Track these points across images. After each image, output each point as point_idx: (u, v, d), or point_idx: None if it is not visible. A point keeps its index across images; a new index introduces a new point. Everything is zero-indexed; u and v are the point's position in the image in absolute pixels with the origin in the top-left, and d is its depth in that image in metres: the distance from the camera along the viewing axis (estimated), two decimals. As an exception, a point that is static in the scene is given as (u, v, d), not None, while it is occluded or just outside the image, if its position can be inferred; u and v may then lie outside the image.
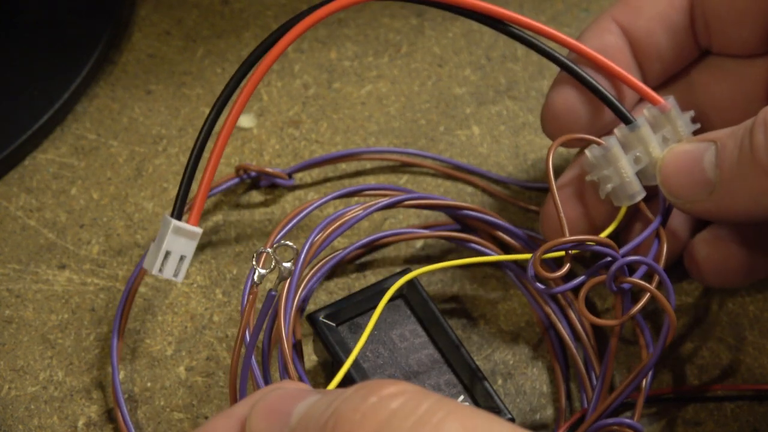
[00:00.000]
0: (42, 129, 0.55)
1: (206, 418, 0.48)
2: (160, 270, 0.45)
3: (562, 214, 0.45)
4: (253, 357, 0.44)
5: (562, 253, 0.45)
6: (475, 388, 0.46)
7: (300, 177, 0.54)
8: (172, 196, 0.53)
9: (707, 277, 0.48)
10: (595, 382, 0.47)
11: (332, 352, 0.46)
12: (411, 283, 0.48)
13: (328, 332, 0.47)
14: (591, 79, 0.47)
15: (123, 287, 0.51)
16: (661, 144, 0.46)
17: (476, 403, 0.46)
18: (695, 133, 0.47)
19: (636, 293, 0.46)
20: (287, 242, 0.43)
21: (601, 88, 0.47)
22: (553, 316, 0.49)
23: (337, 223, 0.47)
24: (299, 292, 0.47)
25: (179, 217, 0.46)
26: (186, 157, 0.55)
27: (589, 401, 0.46)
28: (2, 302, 0.51)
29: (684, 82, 0.50)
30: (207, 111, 0.56)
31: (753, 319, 0.50)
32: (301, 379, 0.45)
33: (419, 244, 0.52)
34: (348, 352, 0.46)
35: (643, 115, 0.47)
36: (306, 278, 0.48)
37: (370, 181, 0.54)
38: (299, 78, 0.58)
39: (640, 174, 0.46)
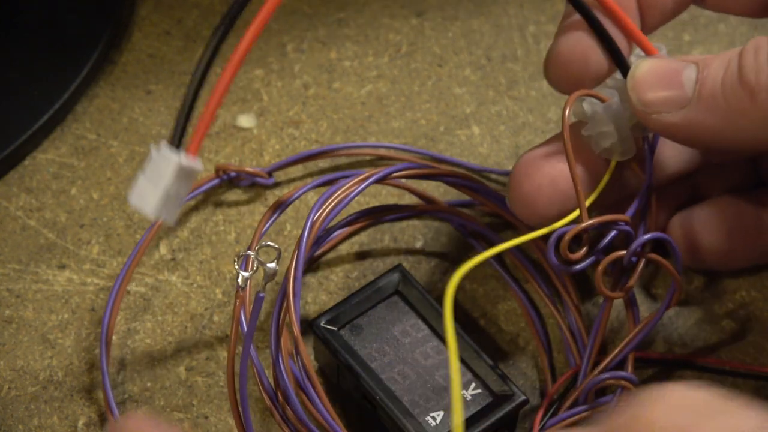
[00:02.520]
0: (42, 129, 0.55)
1: (206, 418, 0.48)
2: (158, 211, 0.39)
3: (579, 186, 0.44)
4: (252, 347, 0.44)
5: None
6: (486, 374, 0.46)
7: (279, 175, 0.54)
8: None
9: (685, 261, 0.49)
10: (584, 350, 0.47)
11: (340, 357, 0.46)
12: (405, 278, 0.48)
13: (331, 337, 0.47)
14: (602, 25, 0.45)
15: (122, 287, 0.51)
16: None
17: (488, 388, 0.46)
18: None
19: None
20: (269, 243, 0.43)
21: (610, 35, 0.45)
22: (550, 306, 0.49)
23: (335, 201, 0.47)
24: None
25: (179, 145, 0.39)
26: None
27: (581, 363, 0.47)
28: (2, 302, 0.51)
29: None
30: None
31: (753, 319, 0.50)
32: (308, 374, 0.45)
33: (418, 243, 0.52)
34: (353, 355, 0.46)
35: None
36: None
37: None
38: (299, 78, 0.58)
39: (634, 128, 0.46)
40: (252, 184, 0.54)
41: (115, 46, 0.59)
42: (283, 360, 0.45)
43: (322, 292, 0.51)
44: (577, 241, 0.45)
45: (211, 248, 0.52)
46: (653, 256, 0.45)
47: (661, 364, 0.49)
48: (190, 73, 0.56)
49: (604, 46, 0.45)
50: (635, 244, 0.45)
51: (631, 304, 0.46)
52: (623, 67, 0.45)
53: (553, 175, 0.46)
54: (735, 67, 0.42)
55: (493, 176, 0.54)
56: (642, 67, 0.44)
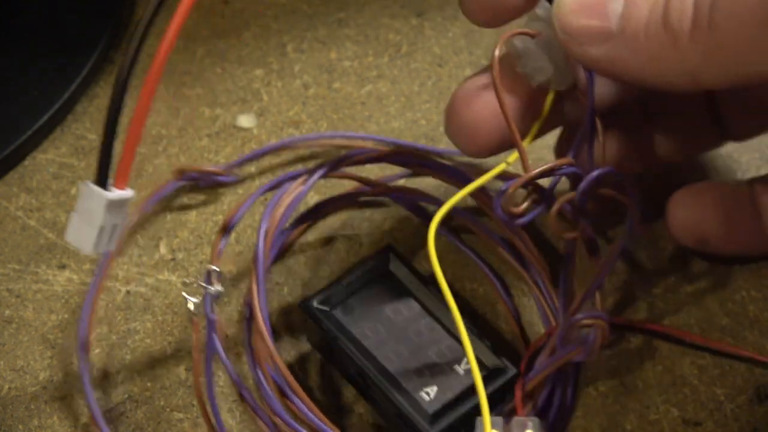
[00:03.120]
0: (42, 129, 0.55)
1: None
2: (95, 247, 0.39)
3: (517, 135, 0.43)
4: (229, 363, 0.44)
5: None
6: (478, 349, 0.46)
7: (240, 171, 0.54)
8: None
9: (682, 237, 0.49)
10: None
11: (333, 337, 0.47)
12: (396, 257, 0.49)
13: (324, 317, 0.47)
14: None
15: (123, 287, 0.51)
16: None
17: (480, 362, 0.46)
18: None
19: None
20: (212, 266, 0.43)
21: None
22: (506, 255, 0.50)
23: (284, 206, 0.47)
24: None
25: (105, 183, 0.38)
26: (186, 158, 0.55)
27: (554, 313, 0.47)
28: (2, 302, 0.51)
29: None
30: (207, 111, 0.57)
31: (753, 319, 0.50)
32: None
33: (411, 229, 0.52)
34: (346, 334, 0.47)
35: None
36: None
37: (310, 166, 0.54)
38: (299, 78, 0.58)
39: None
40: (214, 184, 0.53)
41: (115, 46, 0.59)
42: (262, 372, 0.45)
43: (313, 277, 0.51)
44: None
45: (211, 248, 0.52)
46: (605, 190, 0.44)
47: (645, 333, 0.49)
48: (191, 73, 0.56)
49: None
50: (584, 183, 0.43)
51: (590, 243, 0.46)
52: None
53: (494, 103, 0.44)
54: (661, 8, 0.40)
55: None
56: None
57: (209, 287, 0.43)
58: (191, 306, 0.43)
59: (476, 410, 0.44)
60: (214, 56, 0.58)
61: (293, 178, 0.50)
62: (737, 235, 0.49)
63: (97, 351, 0.49)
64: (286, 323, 0.50)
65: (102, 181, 0.38)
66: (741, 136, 0.50)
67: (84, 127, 0.56)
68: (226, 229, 0.48)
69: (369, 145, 0.54)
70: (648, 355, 0.49)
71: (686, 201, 0.49)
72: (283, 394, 0.45)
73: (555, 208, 0.43)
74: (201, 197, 0.54)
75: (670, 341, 0.49)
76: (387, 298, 0.48)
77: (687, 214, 0.49)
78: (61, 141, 0.56)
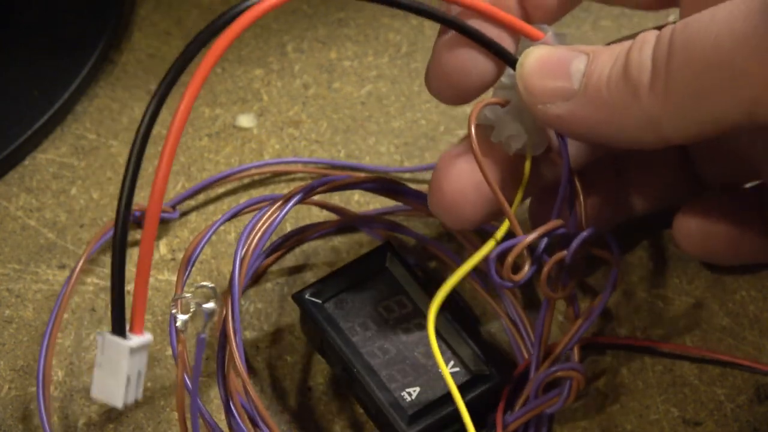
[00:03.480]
0: (42, 129, 0.55)
1: (206, 418, 0.48)
2: (125, 398, 0.38)
3: (505, 204, 0.43)
4: (198, 400, 0.43)
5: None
6: (465, 354, 0.46)
7: (184, 206, 0.54)
8: (172, 196, 0.53)
9: (690, 249, 0.48)
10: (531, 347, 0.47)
11: (322, 329, 0.47)
12: (393, 255, 0.49)
13: (315, 310, 0.47)
14: (474, 29, 0.43)
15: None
16: None
17: (465, 366, 0.46)
18: None
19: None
20: (204, 283, 0.42)
21: (486, 37, 0.43)
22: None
23: (260, 232, 0.47)
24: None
25: (123, 332, 0.37)
26: (186, 157, 0.55)
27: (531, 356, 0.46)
28: (2, 302, 0.51)
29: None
30: (207, 111, 0.57)
31: (753, 319, 0.50)
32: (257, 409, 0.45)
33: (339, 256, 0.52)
34: (335, 328, 0.47)
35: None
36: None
37: (253, 195, 0.54)
38: (299, 78, 0.58)
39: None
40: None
41: (115, 46, 0.59)
42: (234, 404, 0.45)
43: (308, 273, 0.51)
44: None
45: (211, 248, 0.52)
46: (594, 250, 0.44)
47: (626, 349, 0.49)
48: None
49: (484, 49, 0.43)
50: (575, 244, 0.43)
51: (571, 299, 0.45)
52: (512, 62, 0.43)
53: (475, 176, 0.44)
54: (622, 62, 0.41)
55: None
56: (530, 56, 0.42)
57: (203, 306, 0.42)
58: (179, 323, 0.42)
59: (456, 414, 0.44)
60: (214, 56, 0.58)
61: (257, 203, 0.50)
62: (746, 245, 0.49)
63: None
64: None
65: (120, 330, 0.37)
66: (719, 185, 0.50)
67: (84, 127, 0.56)
68: (188, 262, 0.47)
69: (312, 169, 0.54)
70: (648, 355, 0.49)
71: (694, 214, 0.48)
72: (255, 425, 0.45)
73: (545, 270, 0.43)
74: (200, 197, 0.54)
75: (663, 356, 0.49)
76: (380, 295, 0.48)
77: (695, 227, 0.48)
78: (61, 141, 0.56)
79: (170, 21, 0.60)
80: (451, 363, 0.46)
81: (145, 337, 0.38)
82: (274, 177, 0.54)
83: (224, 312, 0.45)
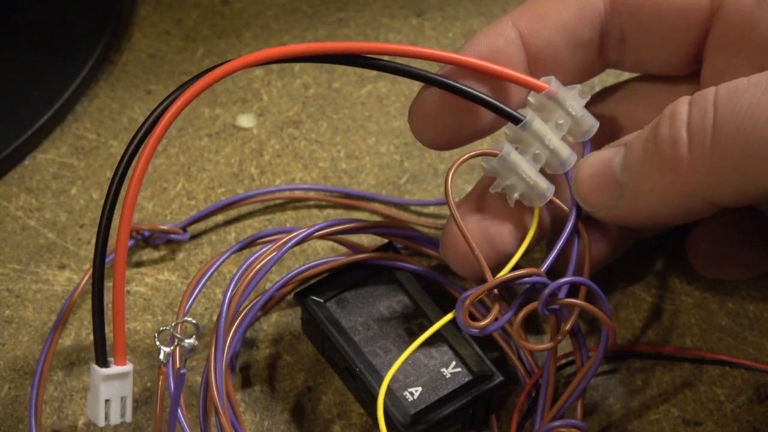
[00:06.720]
0: (42, 129, 0.55)
1: (206, 418, 0.48)
2: (107, 418, 0.43)
3: (472, 244, 0.44)
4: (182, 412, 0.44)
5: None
6: (467, 354, 0.46)
7: (194, 229, 0.53)
8: (172, 196, 0.53)
9: (703, 270, 0.48)
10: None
11: (324, 329, 0.47)
12: (395, 254, 0.49)
13: (317, 309, 0.47)
14: (459, 84, 0.44)
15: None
16: (555, 131, 0.44)
17: (468, 367, 0.46)
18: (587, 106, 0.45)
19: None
20: (187, 319, 0.43)
21: (473, 90, 0.44)
22: None
23: (253, 272, 0.47)
24: (226, 352, 0.46)
25: (104, 362, 0.43)
26: (186, 157, 0.55)
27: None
28: (2, 302, 0.51)
29: (606, 112, 0.48)
30: (207, 111, 0.57)
31: (753, 319, 0.50)
32: None
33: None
34: (337, 327, 0.47)
35: (529, 109, 0.44)
36: (230, 336, 0.47)
37: (262, 221, 0.53)
38: (299, 78, 0.58)
39: (545, 167, 0.45)
40: (167, 242, 0.52)
41: (115, 46, 0.59)
42: None
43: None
44: (491, 299, 0.45)
45: (211, 248, 0.52)
46: (576, 302, 0.43)
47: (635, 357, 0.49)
48: (191, 73, 0.56)
49: (477, 105, 0.44)
50: (545, 294, 0.43)
51: (579, 346, 0.44)
52: (507, 116, 0.44)
53: (485, 232, 0.45)
54: (652, 143, 0.41)
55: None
56: (580, 167, 0.44)
57: (184, 341, 0.43)
58: (162, 356, 0.43)
59: (458, 414, 0.44)
60: (214, 56, 0.58)
61: (263, 237, 0.50)
62: (758, 262, 0.49)
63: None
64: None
65: (102, 361, 0.43)
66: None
67: (84, 127, 0.56)
68: (197, 283, 0.47)
69: (323, 197, 0.53)
70: (648, 356, 0.49)
71: (706, 238, 0.48)
72: None
73: (516, 323, 0.43)
74: (156, 254, 0.53)
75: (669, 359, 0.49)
76: (382, 295, 0.48)
77: (708, 250, 0.48)
78: (61, 141, 0.56)
79: (170, 21, 0.60)
80: (453, 363, 0.46)
81: (123, 368, 0.43)
82: (287, 203, 0.54)
83: (208, 353, 0.45)
